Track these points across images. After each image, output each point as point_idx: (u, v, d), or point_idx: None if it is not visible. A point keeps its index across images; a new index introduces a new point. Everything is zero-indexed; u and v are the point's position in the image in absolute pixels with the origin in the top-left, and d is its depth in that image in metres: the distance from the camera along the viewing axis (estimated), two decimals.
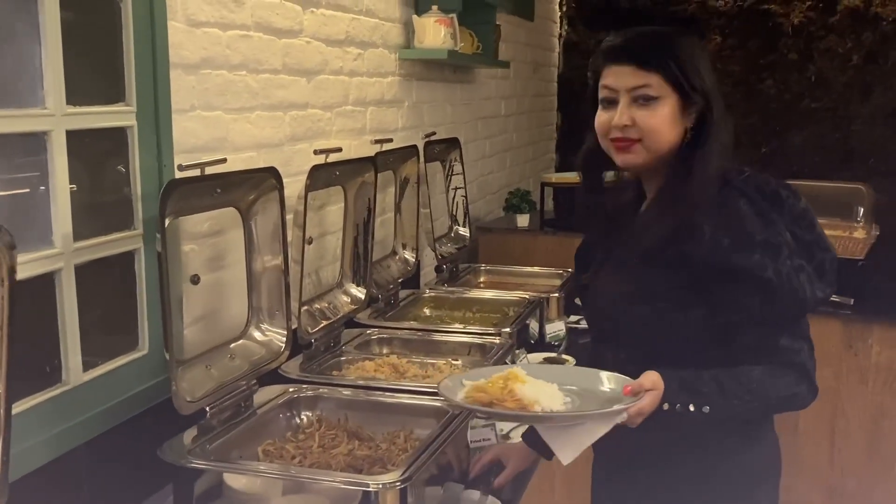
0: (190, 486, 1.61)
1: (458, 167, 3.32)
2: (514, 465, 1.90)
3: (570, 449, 1.45)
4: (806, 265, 1.52)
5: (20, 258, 1.11)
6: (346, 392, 2.06)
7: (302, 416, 2.01)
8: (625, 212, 1.73)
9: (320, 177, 2.17)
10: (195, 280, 1.87)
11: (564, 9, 5.59)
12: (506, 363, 2.26)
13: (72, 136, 1.63)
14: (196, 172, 1.72)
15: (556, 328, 2.89)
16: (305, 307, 2.22)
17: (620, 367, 1.57)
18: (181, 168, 1.73)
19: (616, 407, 1.44)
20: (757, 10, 5.13)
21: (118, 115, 1.75)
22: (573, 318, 3.03)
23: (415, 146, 2.90)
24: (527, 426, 1.98)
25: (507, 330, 2.53)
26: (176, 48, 1.86)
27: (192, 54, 1.92)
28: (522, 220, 4.10)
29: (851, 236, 3.61)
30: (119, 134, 1.77)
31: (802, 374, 1.55)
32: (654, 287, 1.58)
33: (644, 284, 1.60)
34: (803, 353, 1.55)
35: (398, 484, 1.53)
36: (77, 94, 1.63)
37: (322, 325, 2.29)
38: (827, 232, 1.61)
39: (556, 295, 2.98)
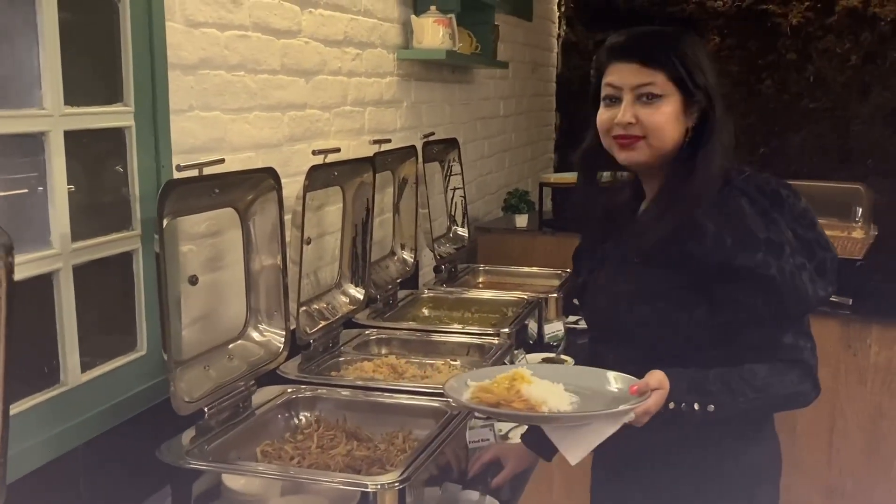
0: (188, 486, 1.61)
1: (456, 167, 3.32)
2: (512, 466, 1.90)
3: (577, 449, 1.45)
4: (807, 264, 1.52)
5: (18, 259, 1.11)
6: (345, 392, 2.06)
7: (300, 417, 2.01)
8: (622, 212, 1.73)
9: (319, 177, 2.17)
10: (193, 281, 1.87)
11: (563, 9, 5.59)
12: (504, 363, 2.26)
13: (70, 136, 1.63)
14: (194, 173, 1.72)
15: (554, 328, 2.88)
16: (304, 308, 2.22)
17: (620, 367, 1.57)
18: (179, 168, 1.73)
19: (623, 407, 1.44)
20: (755, 10, 5.13)
21: (116, 116, 1.75)
22: (572, 318, 3.03)
23: (413, 146, 2.90)
24: (526, 427, 1.98)
25: (506, 330, 2.53)
26: (174, 48, 1.86)
27: (190, 55, 1.92)
28: (521, 221, 4.10)
29: (850, 236, 3.61)
30: (117, 134, 1.77)
31: (806, 372, 1.55)
32: (655, 286, 1.58)
33: (645, 284, 1.60)
34: (806, 350, 1.56)
35: (396, 484, 1.53)
36: (75, 94, 1.63)
37: (320, 325, 2.29)
38: (826, 232, 1.61)
39: (555, 295, 2.98)
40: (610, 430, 1.43)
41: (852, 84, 5.01)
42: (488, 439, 2.00)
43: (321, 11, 2.49)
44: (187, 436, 1.72)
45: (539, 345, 2.82)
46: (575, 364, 2.25)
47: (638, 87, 1.56)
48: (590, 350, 1.84)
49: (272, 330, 2.00)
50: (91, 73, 1.74)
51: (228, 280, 1.98)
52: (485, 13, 3.70)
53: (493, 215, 4.36)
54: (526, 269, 3.47)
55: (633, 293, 1.61)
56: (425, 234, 3.01)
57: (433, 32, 3.02)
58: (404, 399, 2.01)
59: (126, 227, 1.80)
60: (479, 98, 4.06)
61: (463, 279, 3.31)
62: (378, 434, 1.93)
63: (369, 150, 2.64)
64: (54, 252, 1.61)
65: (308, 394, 2.04)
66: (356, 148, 2.72)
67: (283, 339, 1.99)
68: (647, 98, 1.55)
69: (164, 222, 1.62)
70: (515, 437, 2.05)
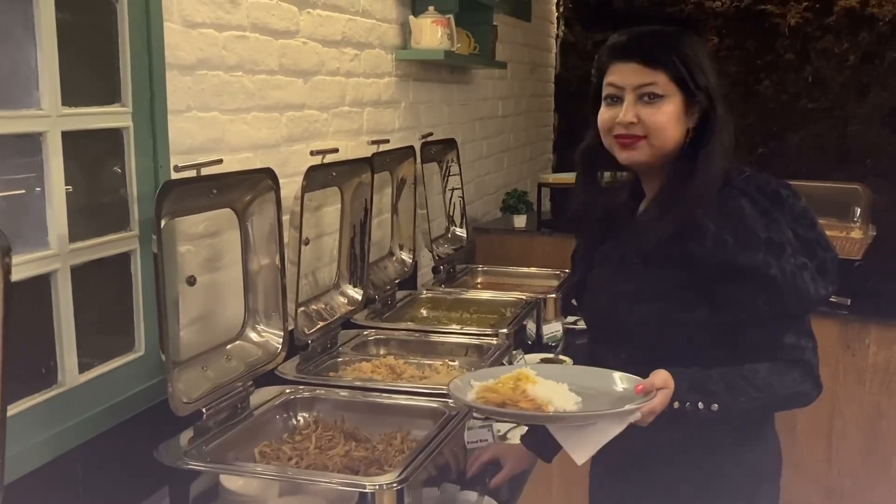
0: (186, 487, 1.61)
1: (455, 168, 3.32)
2: (511, 467, 1.90)
3: (583, 449, 1.45)
4: (809, 263, 1.53)
5: (15, 259, 1.11)
6: (343, 393, 2.06)
7: (298, 418, 2.01)
8: (621, 212, 1.73)
9: (317, 178, 2.17)
10: (191, 281, 1.86)
11: (561, 9, 5.59)
12: (502, 364, 2.26)
13: (67, 137, 1.62)
14: (192, 173, 1.72)
15: (553, 329, 2.88)
16: (302, 308, 2.22)
17: (621, 367, 1.57)
18: (177, 169, 1.73)
19: (629, 406, 1.43)
20: (754, 10, 5.13)
21: (114, 116, 1.75)
22: (570, 318, 3.03)
23: (412, 147, 2.90)
24: (525, 428, 1.98)
25: (505, 331, 2.53)
26: (172, 49, 1.86)
27: (188, 55, 1.92)
28: (519, 221, 4.11)
29: (848, 236, 3.62)
30: (115, 135, 1.76)
31: (807, 372, 1.55)
32: (656, 286, 1.58)
33: (646, 284, 1.60)
34: (808, 350, 1.56)
35: (395, 485, 1.53)
36: (73, 95, 1.63)
37: (319, 326, 2.29)
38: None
39: (553, 296, 2.98)
40: (616, 429, 1.43)
41: (851, 84, 5.01)
42: (487, 440, 2.00)
43: (319, 12, 2.49)
44: (185, 436, 1.72)
45: (537, 345, 2.82)
46: (574, 364, 2.25)
47: (640, 87, 1.56)
48: (589, 350, 1.84)
49: (270, 330, 2.00)
50: (89, 74, 1.74)
51: (226, 281, 1.98)
52: (483, 13, 3.70)
53: (491, 216, 4.36)
54: (524, 269, 3.47)
55: (634, 293, 1.61)
56: (424, 235, 3.01)
57: (431, 33, 3.02)
58: (402, 400, 2.00)
59: (124, 228, 1.80)
60: (478, 98, 4.06)
61: (461, 280, 3.31)
62: (376, 435, 1.93)
63: (367, 151, 2.64)
64: (52, 253, 1.61)
65: (306, 394, 2.03)
66: (354, 148, 2.72)
67: (281, 340, 1.99)
68: (649, 98, 1.56)
69: (162, 223, 1.62)
70: (514, 438, 2.05)
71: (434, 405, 1.95)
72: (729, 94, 5.01)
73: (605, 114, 1.61)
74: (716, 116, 1.58)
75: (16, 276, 1.11)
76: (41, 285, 1.60)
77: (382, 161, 2.67)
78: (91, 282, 1.71)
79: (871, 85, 4.97)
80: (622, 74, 1.58)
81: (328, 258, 2.46)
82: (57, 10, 1.57)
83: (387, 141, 2.81)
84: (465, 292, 3.09)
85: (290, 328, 2.04)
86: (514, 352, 2.51)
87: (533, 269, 3.45)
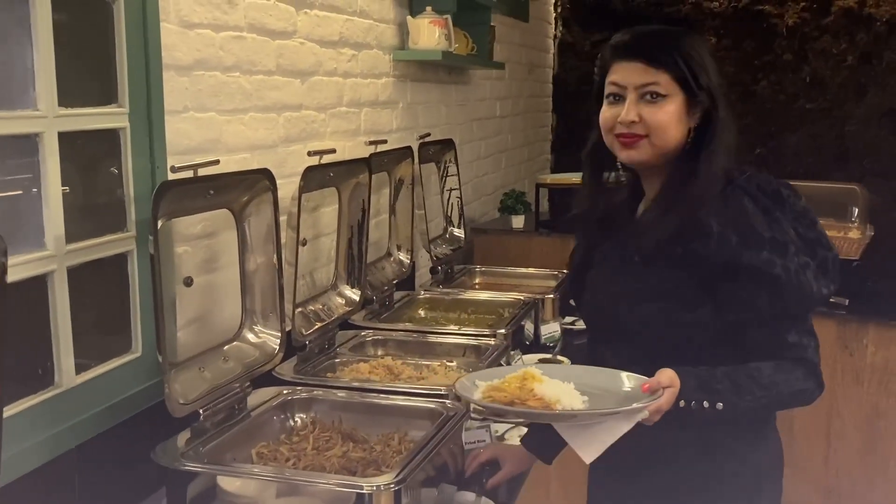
0: (183, 488, 1.60)
1: (452, 168, 3.32)
2: (509, 468, 1.90)
3: (591, 448, 1.45)
4: (811, 262, 1.53)
5: (12, 260, 1.11)
6: (341, 394, 2.05)
7: (296, 419, 2.01)
8: (620, 212, 1.73)
9: (314, 178, 2.17)
10: (188, 282, 1.86)
11: (559, 10, 5.60)
12: (500, 364, 2.26)
13: (64, 137, 1.62)
14: (189, 174, 1.72)
15: (551, 329, 2.88)
16: (299, 309, 2.22)
17: (621, 367, 1.57)
18: (174, 170, 1.72)
19: (636, 405, 1.43)
20: (751, 10, 5.14)
21: (111, 117, 1.75)
22: (568, 319, 3.03)
23: (409, 147, 2.89)
24: (523, 429, 1.98)
25: (503, 331, 2.53)
26: (169, 49, 1.86)
27: (185, 56, 1.92)
28: (517, 222, 4.11)
29: (846, 236, 3.62)
30: (112, 135, 1.76)
31: (810, 370, 1.56)
32: (658, 286, 1.58)
33: (647, 283, 1.60)
34: (810, 349, 1.57)
35: (392, 486, 1.52)
36: (69, 95, 1.63)
37: (316, 326, 2.29)
38: None
39: (552, 296, 2.98)
40: (624, 428, 1.43)
41: (848, 84, 5.01)
42: (484, 440, 1.99)
43: (316, 12, 2.49)
44: (182, 438, 1.72)
45: (535, 346, 2.82)
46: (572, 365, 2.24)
47: (642, 87, 1.56)
48: (589, 350, 1.84)
49: (267, 331, 2.00)
50: (85, 74, 1.74)
51: (223, 281, 1.98)
52: (481, 14, 3.70)
53: (489, 216, 4.36)
54: (522, 269, 3.47)
55: (635, 293, 1.61)
56: (421, 236, 3.01)
57: (429, 33, 3.01)
58: (400, 400, 2.00)
59: (121, 229, 1.80)
60: (476, 99, 4.06)
61: (459, 280, 3.30)
62: (374, 435, 1.92)
63: (365, 151, 2.63)
64: (48, 253, 1.60)
65: (304, 395, 2.03)
66: (352, 149, 2.72)
67: (278, 341, 1.99)
68: (651, 97, 1.56)
69: (159, 224, 1.61)
70: (511, 439, 2.05)
71: (432, 406, 1.94)
72: (726, 94, 5.02)
73: (606, 112, 1.61)
74: (718, 116, 1.58)
75: (12, 277, 1.11)
76: (38, 286, 1.60)
77: (380, 161, 2.67)
78: (88, 283, 1.71)
79: (869, 85, 4.97)
80: (625, 73, 1.58)
81: (326, 259, 2.46)
82: (53, 10, 1.57)
83: (384, 141, 2.81)
84: (463, 293, 3.08)
85: (287, 329, 2.04)
86: (512, 352, 2.51)
87: (531, 270, 3.45)
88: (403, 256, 2.96)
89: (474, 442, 1.98)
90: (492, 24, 3.84)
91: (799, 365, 1.55)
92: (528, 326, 2.80)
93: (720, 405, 1.49)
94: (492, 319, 2.82)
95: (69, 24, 1.64)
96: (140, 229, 1.80)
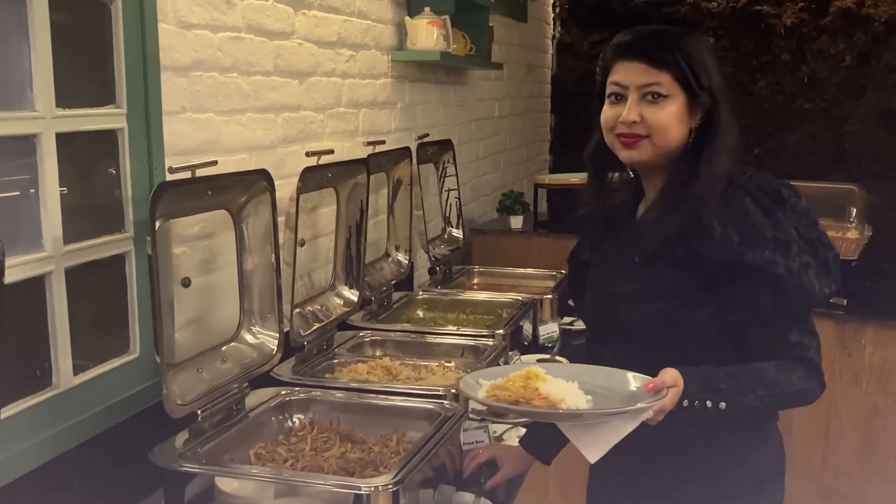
0: (181, 489, 1.60)
1: (451, 169, 3.32)
2: (508, 469, 1.89)
3: (596, 447, 1.44)
4: (813, 262, 1.53)
5: (9, 261, 1.11)
6: (339, 395, 2.05)
7: (294, 419, 2.01)
8: (620, 212, 1.73)
9: (312, 179, 2.17)
10: (186, 283, 1.86)
11: (558, 10, 5.60)
12: (498, 365, 2.26)
13: (61, 138, 1.62)
14: (187, 175, 1.72)
15: (549, 329, 2.88)
16: (298, 309, 2.22)
17: (622, 367, 1.57)
18: (172, 170, 1.72)
19: (641, 404, 1.43)
20: (749, 11, 5.14)
21: (108, 118, 1.75)
22: (567, 319, 3.03)
23: (408, 148, 2.89)
24: (522, 430, 1.98)
25: (501, 331, 2.53)
26: (166, 50, 1.86)
27: (182, 56, 1.92)
28: (516, 222, 4.11)
29: (844, 237, 3.62)
30: (109, 136, 1.76)
31: (812, 370, 1.57)
32: (660, 286, 1.58)
33: (648, 284, 1.60)
34: (812, 349, 1.57)
35: (390, 486, 1.52)
36: (67, 96, 1.63)
37: (314, 327, 2.28)
38: None
39: (550, 296, 2.98)
40: (629, 427, 1.43)
41: (847, 85, 5.02)
42: (483, 441, 1.99)
43: (315, 13, 2.49)
44: (180, 438, 1.72)
45: (534, 346, 2.82)
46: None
47: (643, 87, 1.56)
48: (589, 350, 1.84)
49: (266, 332, 2.00)
50: (83, 75, 1.74)
51: (221, 282, 1.98)
52: (479, 14, 3.70)
53: (487, 217, 4.36)
54: (521, 270, 3.46)
55: (636, 293, 1.61)
56: (420, 236, 3.01)
57: (427, 34, 3.01)
58: (398, 401, 2.00)
59: (118, 230, 1.80)
60: (474, 99, 4.06)
61: (458, 281, 3.30)
62: (372, 436, 1.92)
63: (363, 152, 2.63)
64: (46, 254, 1.60)
65: (302, 396, 2.03)
66: (350, 149, 2.72)
67: (276, 342, 1.99)
68: (653, 97, 1.56)
69: (157, 224, 1.61)
70: (510, 439, 2.05)
71: (430, 406, 1.94)
72: (728, 94, 5.02)
73: (608, 112, 1.61)
74: (719, 117, 1.58)
75: (10, 278, 1.11)
76: (35, 287, 1.60)
77: (378, 162, 2.67)
78: (86, 284, 1.71)
79: (867, 85, 4.98)
80: (626, 73, 1.58)
81: (324, 259, 2.46)
82: (51, 11, 1.57)
83: (383, 142, 2.81)
84: (462, 293, 3.08)
85: (285, 330, 2.04)
86: (511, 353, 2.51)
87: (529, 270, 3.45)
88: (402, 257, 2.96)
89: (473, 443, 1.98)
90: (490, 24, 3.84)
91: (800, 364, 1.55)
92: (527, 327, 2.80)
93: (723, 405, 1.49)
94: (490, 320, 2.81)
95: (67, 24, 1.64)
96: (138, 230, 1.80)
